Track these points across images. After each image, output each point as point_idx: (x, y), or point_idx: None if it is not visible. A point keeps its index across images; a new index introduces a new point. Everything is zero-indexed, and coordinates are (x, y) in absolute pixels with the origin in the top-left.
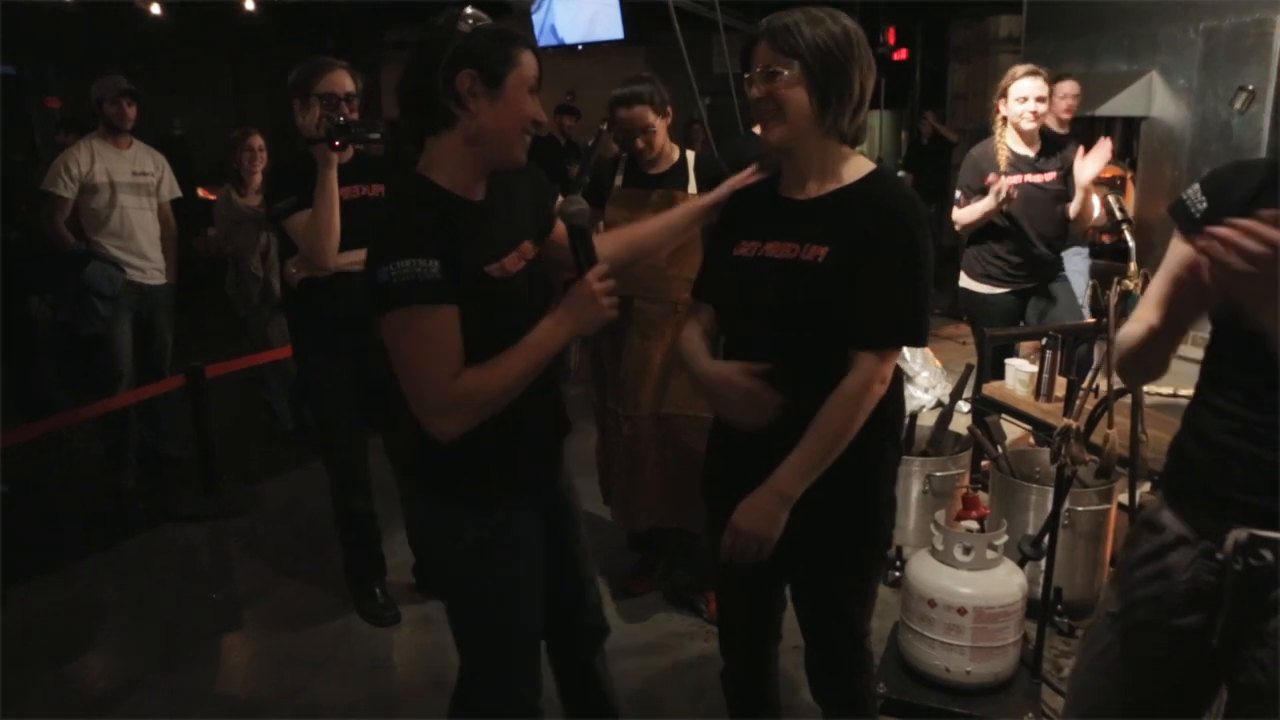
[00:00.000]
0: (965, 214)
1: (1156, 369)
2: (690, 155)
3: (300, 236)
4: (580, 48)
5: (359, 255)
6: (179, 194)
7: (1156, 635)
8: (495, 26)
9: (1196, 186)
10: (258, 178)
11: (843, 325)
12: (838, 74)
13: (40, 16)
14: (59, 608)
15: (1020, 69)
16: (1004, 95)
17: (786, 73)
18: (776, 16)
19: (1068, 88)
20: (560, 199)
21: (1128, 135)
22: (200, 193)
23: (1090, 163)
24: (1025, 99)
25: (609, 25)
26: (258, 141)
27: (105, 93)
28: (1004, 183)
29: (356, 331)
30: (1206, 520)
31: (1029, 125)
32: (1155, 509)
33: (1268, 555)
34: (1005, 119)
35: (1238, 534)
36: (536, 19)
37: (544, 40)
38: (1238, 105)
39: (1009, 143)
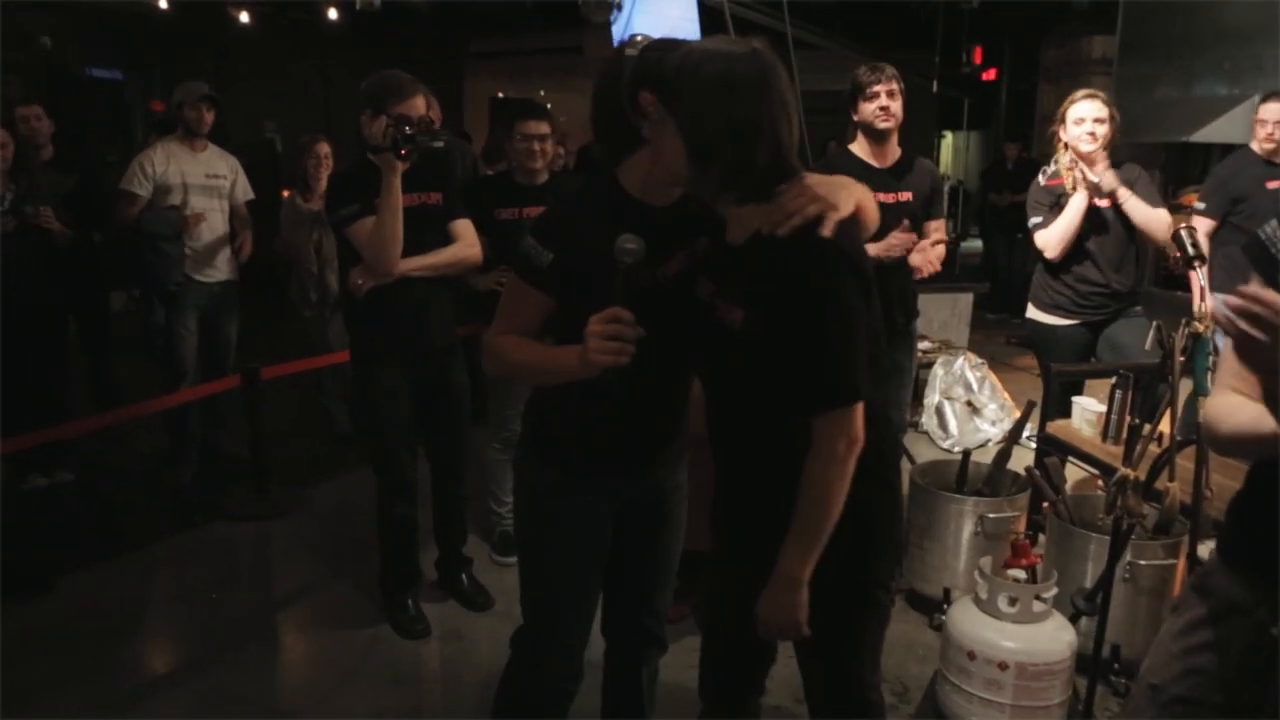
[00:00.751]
0: (1057, 228)
1: (1254, 451)
2: None
3: (364, 245)
4: None
5: (422, 261)
6: (251, 196)
7: (1199, 712)
8: (671, 41)
9: (1275, 222)
10: (323, 183)
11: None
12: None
13: (145, 21)
14: (106, 597)
15: (1080, 92)
16: (1062, 120)
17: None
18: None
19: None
20: (621, 235)
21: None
22: (285, 195)
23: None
24: (1083, 120)
25: (688, 38)
26: (324, 149)
27: (186, 97)
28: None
29: (417, 338)
30: (1265, 588)
31: (1088, 147)
32: (1208, 571)
33: None
34: (1065, 144)
35: None
36: (616, 31)
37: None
38: None
39: (1065, 164)
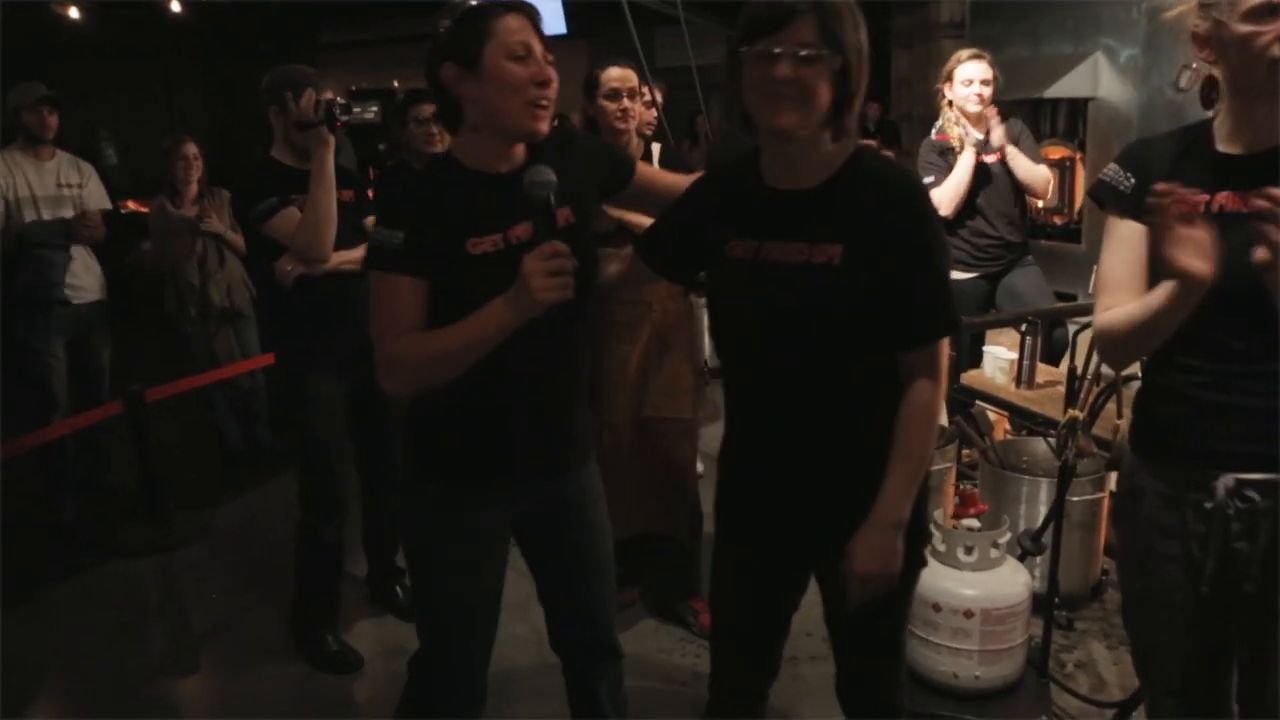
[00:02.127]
0: (949, 185)
1: (1152, 345)
2: (655, 149)
3: (293, 234)
4: None
5: (351, 254)
6: (109, 205)
7: (1155, 597)
8: (468, 7)
9: (1115, 165)
10: (193, 186)
11: (870, 329)
12: (860, 77)
13: None
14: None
15: (964, 52)
16: (949, 79)
17: (822, 64)
18: None
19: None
20: (530, 168)
21: (1074, 116)
22: (129, 205)
23: None
24: (971, 81)
25: (551, 20)
26: (192, 149)
27: (23, 100)
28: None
29: (350, 339)
30: (1191, 474)
31: (975, 108)
32: (1130, 475)
33: (1255, 497)
34: (950, 102)
35: (1225, 480)
36: None
37: None
38: (1183, 83)
39: (952, 121)
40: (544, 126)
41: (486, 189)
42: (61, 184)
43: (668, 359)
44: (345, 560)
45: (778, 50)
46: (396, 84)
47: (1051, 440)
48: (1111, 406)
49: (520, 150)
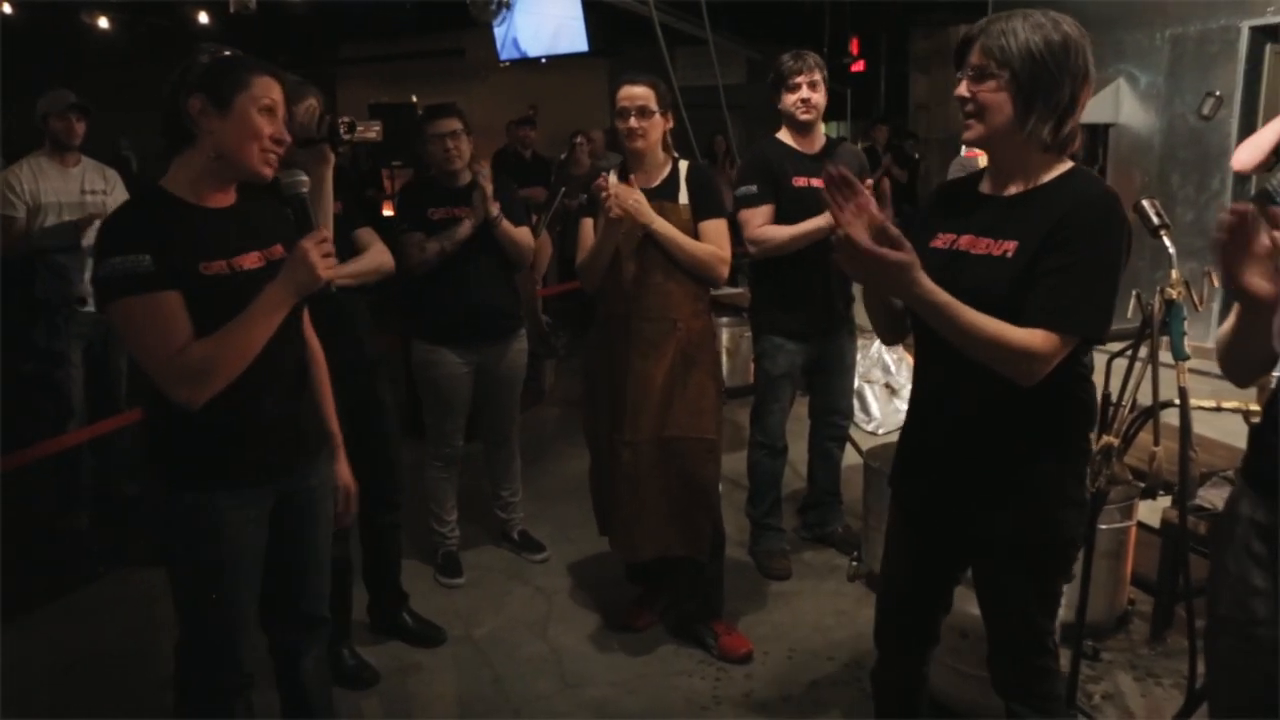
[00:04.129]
0: None
1: (1254, 360)
2: (683, 165)
3: None
4: (544, 61)
5: (345, 269)
6: None
7: (1239, 629)
8: (234, 56)
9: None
10: None
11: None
12: (1047, 84)
13: None
14: (5, 668)
15: None
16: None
17: (993, 79)
18: (996, 18)
19: None
20: (281, 172)
21: (1094, 142)
22: None
23: None
24: None
25: (573, 38)
26: None
27: (52, 107)
28: None
29: (345, 350)
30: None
31: None
32: (1235, 496)
33: None
34: None
35: None
36: (499, 33)
37: (506, 54)
38: (1205, 110)
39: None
40: (270, 173)
41: (208, 220)
42: (86, 190)
43: (693, 377)
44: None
45: (958, 74)
46: (415, 99)
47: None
48: (1147, 435)
49: (233, 190)
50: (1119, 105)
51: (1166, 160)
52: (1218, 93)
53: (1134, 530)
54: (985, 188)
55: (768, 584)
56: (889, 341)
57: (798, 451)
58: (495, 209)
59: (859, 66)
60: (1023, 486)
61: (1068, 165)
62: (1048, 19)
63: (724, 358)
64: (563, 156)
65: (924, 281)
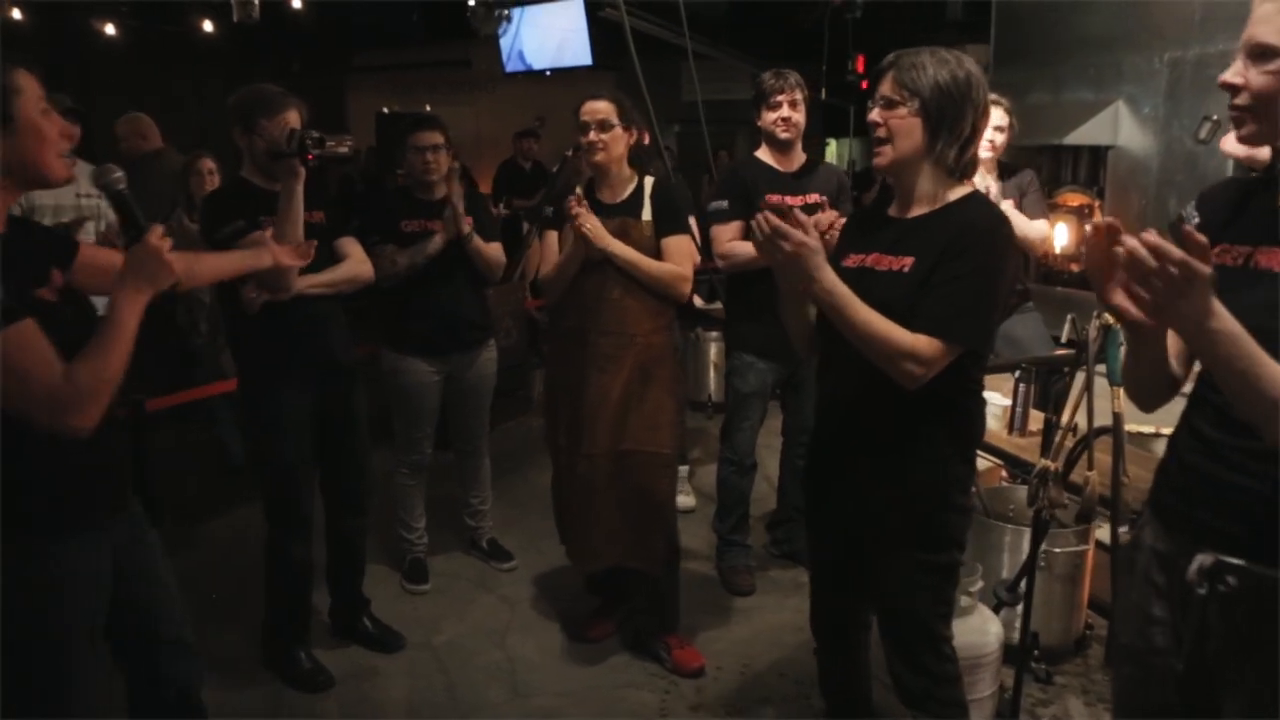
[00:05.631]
0: None
1: (1155, 386)
2: (649, 181)
3: None
4: (549, 73)
5: (319, 278)
6: None
7: (1138, 658)
8: None
9: (1191, 203)
10: None
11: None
12: (952, 113)
13: None
14: None
15: None
16: None
17: (903, 107)
18: (906, 53)
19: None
20: (97, 170)
21: (1094, 164)
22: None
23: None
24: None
25: (577, 51)
26: (208, 165)
27: None
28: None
29: (319, 356)
30: (1180, 541)
31: (987, 154)
32: (1140, 527)
33: (1233, 581)
34: None
35: (1203, 559)
36: (504, 44)
37: (512, 66)
38: (1203, 135)
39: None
40: (66, 174)
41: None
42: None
43: (650, 392)
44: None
45: (869, 103)
46: (429, 107)
47: None
48: (1105, 458)
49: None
50: (1118, 128)
51: (1164, 184)
52: (1215, 117)
53: (1091, 554)
54: (893, 211)
55: (731, 599)
56: (802, 354)
57: (774, 467)
58: (467, 227)
59: (865, 85)
60: (906, 491)
61: (968, 189)
62: (952, 56)
63: (711, 372)
64: (555, 169)
65: (828, 273)
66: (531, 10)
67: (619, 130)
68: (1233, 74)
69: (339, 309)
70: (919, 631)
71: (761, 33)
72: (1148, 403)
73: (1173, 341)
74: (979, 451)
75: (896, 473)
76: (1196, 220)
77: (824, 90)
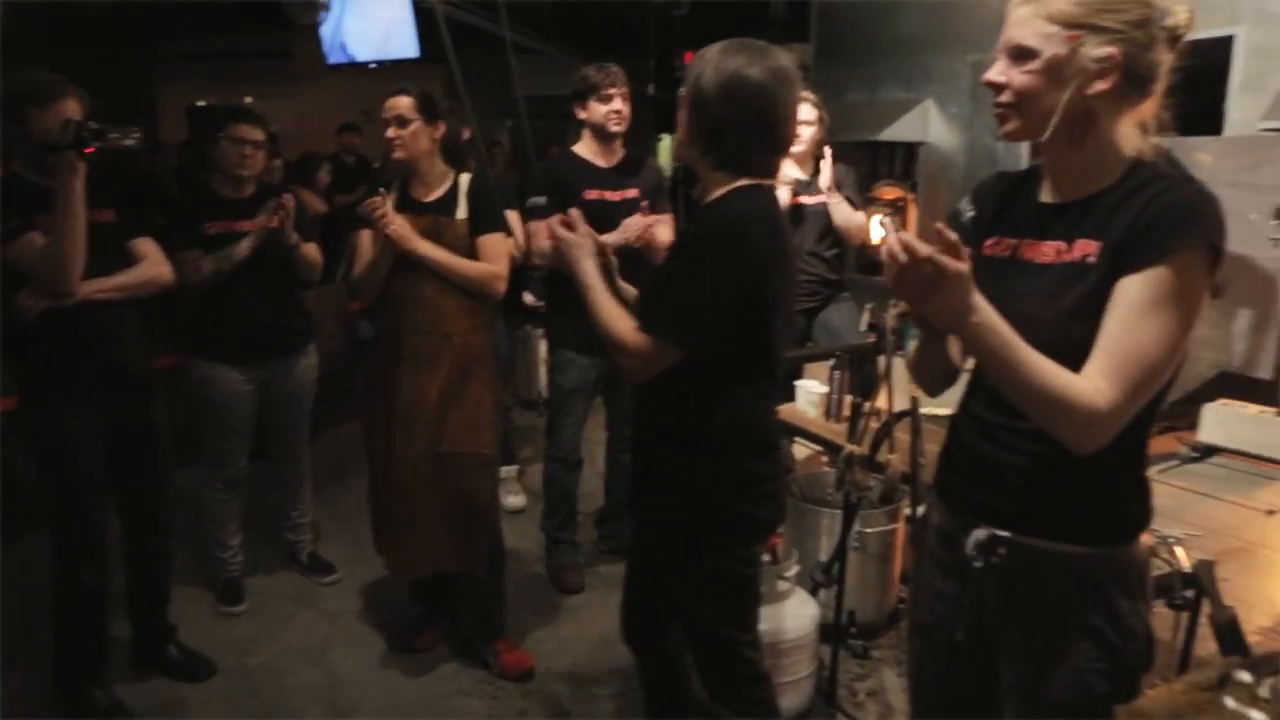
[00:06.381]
0: None
1: (937, 373)
2: (464, 179)
3: (34, 264)
4: (373, 66)
5: (108, 282)
6: None
7: (926, 631)
8: None
9: (967, 197)
10: None
11: None
12: (704, 110)
13: None
14: None
15: None
16: None
17: (682, 101)
18: (713, 48)
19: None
20: None
21: (908, 159)
22: None
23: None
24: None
25: (403, 43)
26: None
27: None
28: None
29: (107, 370)
30: (960, 518)
31: (797, 148)
32: (928, 508)
33: (1004, 553)
34: None
35: (979, 534)
36: (326, 35)
37: (334, 58)
38: (1000, 132)
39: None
40: None
41: None
42: None
43: (469, 392)
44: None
45: None
46: (250, 100)
47: None
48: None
49: None
50: (928, 125)
51: (969, 178)
52: None
53: (901, 531)
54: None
55: (561, 598)
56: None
57: (604, 462)
58: (294, 238)
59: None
60: (680, 496)
61: (737, 184)
62: (744, 55)
63: (541, 369)
64: (376, 165)
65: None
66: (354, 0)
67: (419, 125)
68: (996, 73)
69: (135, 315)
70: (709, 637)
71: (589, 28)
72: (931, 388)
73: None
74: (800, 438)
75: (673, 475)
76: (971, 214)
77: (652, 86)
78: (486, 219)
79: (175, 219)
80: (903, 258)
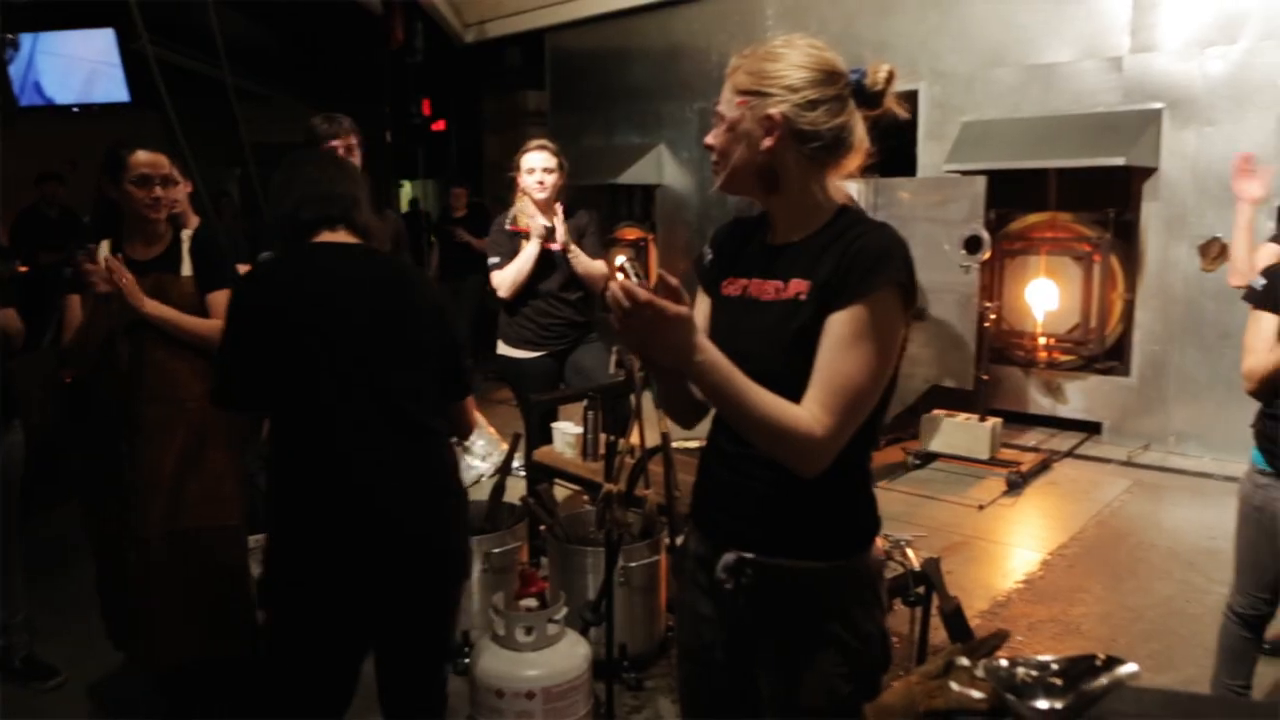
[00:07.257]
0: (510, 270)
1: (685, 407)
2: (186, 234)
3: None
4: (76, 110)
5: None
6: None
7: (692, 654)
8: None
9: (709, 242)
10: None
11: None
12: None
13: None
14: None
15: (532, 143)
16: (517, 168)
17: None
18: None
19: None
20: None
21: (646, 201)
22: None
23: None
24: (533, 170)
25: (110, 87)
26: None
27: None
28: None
29: None
30: (713, 543)
31: (540, 195)
32: (686, 536)
33: (750, 573)
34: (523, 191)
35: (728, 557)
36: (15, 74)
37: (27, 99)
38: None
39: (526, 211)
40: None
41: None
42: None
43: (209, 461)
44: None
45: None
46: None
47: None
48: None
49: None
50: (662, 169)
51: (703, 218)
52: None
53: (664, 561)
54: None
55: None
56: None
57: None
58: None
59: (440, 125)
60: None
61: None
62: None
63: None
64: (87, 218)
65: None
66: (47, 37)
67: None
68: (710, 137)
69: None
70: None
71: (323, 75)
72: (682, 421)
73: None
74: (560, 479)
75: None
76: (710, 256)
77: (388, 133)
78: (213, 275)
79: None
80: (625, 304)
